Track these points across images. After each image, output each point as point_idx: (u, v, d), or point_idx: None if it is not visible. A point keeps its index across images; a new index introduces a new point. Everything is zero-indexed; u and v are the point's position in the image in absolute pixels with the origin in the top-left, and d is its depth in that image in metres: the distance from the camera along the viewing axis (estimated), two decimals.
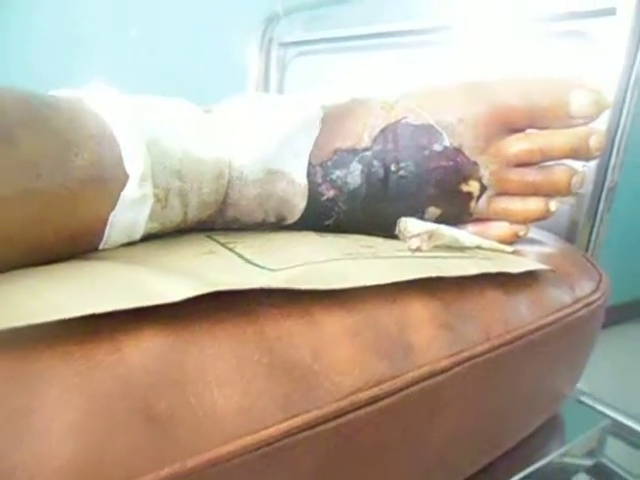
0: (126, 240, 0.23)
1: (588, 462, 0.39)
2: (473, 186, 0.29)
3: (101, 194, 0.21)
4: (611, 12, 0.39)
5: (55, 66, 0.81)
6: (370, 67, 0.63)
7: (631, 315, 1.32)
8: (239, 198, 0.27)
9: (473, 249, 0.28)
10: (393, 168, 0.28)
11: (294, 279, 0.19)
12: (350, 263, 0.22)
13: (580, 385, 0.37)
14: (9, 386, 0.14)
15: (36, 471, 0.13)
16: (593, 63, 0.40)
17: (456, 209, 0.29)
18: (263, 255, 0.22)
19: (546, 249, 0.32)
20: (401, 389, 0.19)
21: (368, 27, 0.62)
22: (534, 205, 0.29)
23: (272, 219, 0.28)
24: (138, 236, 0.23)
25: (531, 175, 0.29)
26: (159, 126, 0.24)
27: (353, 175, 0.28)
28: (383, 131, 0.28)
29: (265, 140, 0.26)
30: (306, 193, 0.28)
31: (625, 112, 0.39)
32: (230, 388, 0.16)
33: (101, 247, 0.22)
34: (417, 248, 0.25)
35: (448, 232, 0.26)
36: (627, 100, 0.39)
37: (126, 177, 0.21)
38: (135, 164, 0.22)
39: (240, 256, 0.22)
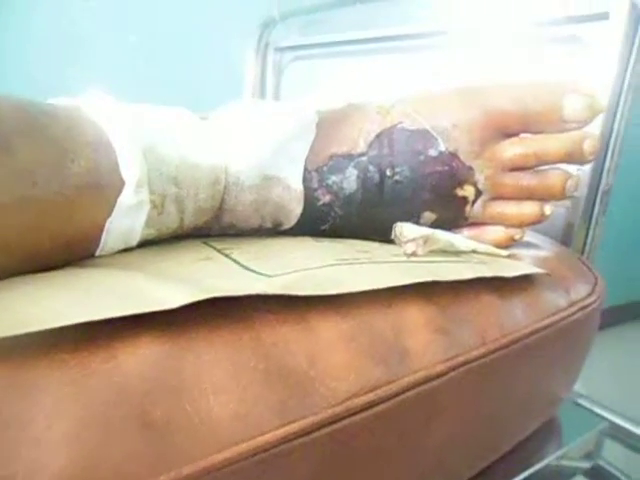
0: (123, 246, 0.23)
1: (586, 465, 0.39)
2: (468, 191, 0.29)
3: (97, 201, 0.21)
4: (604, 17, 0.39)
5: (53, 72, 0.81)
6: (366, 72, 0.63)
7: (627, 317, 1.32)
8: (235, 204, 0.27)
9: (469, 253, 0.28)
10: (389, 173, 0.28)
11: (290, 285, 0.19)
12: (346, 268, 0.22)
13: (577, 387, 0.37)
14: (6, 394, 0.14)
15: (34, 479, 0.13)
16: (587, 67, 0.41)
17: (451, 214, 0.30)
18: (259, 261, 0.23)
19: (542, 252, 0.32)
20: (397, 394, 0.19)
21: (364, 32, 0.62)
22: (529, 209, 0.29)
23: (268, 225, 0.28)
24: (134, 242, 0.23)
25: (526, 179, 0.29)
26: (156, 133, 0.24)
27: (349, 180, 0.28)
28: (379, 136, 0.28)
29: (261, 146, 0.27)
30: (302, 198, 0.28)
31: (619, 116, 0.39)
32: (226, 395, 0.16)
33: (97, 253, 0.22)
34: (413, 253, 0.25)
35: (444, 237, 0.26)
36: (621, 104, 0.39)
37: (122, 184, 0.22)
38: (131, 171, 0.22)
39: (236, 262, 0.22)
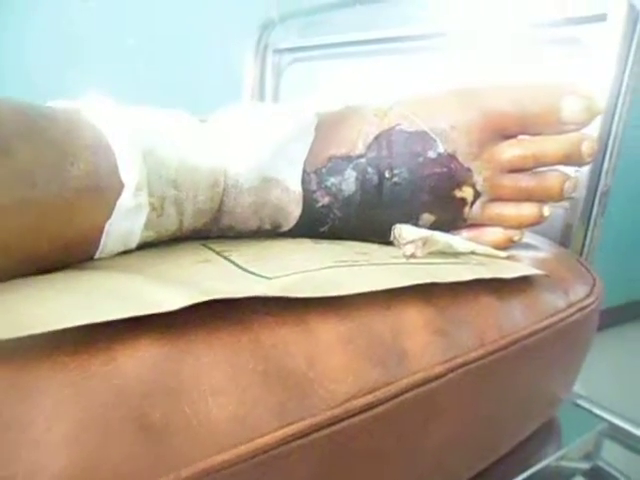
0: (122, 249, 0.23)
1: (585, 465, 0.39)
2: (467, 192, 0.29)
3: (97, 203, 0.21)
4: (602, 18, 0.39)
5: (52, 74, 0.81)
6: (365, 73, 0.63)
7: (626, 318, 1.32)
8: (234, 206, 0.27)
9: (467, 255, 0.28)
10: (387, 175, 0.28)
11: (289, 287, 0.19)
12: (345, 270, 0.22)
13: (576, 388, 0.37)
14: (6, 396, 0.14)
15: None
16: (585, 69, 0.41)
17: (450, 215, 0.30)
18: (258, 263, 0.23)
19: (540, 254, 0.32)
20: (395, 396, 0.19)
21: (363, 33, 0.62)
22: (528, 210, 0.29)
23: (267, 226, 0.28)
24: (134, 245, 0.24)
25: (524, 181, 0.29)
26: (155, 136, 0.24)
27: (348, 182, 0.28)
28: (377, 138, 0.28)
29: (260, 148, 0.27)
30: (301, 200, 0.28)
31: (617, 117, 0.39)
32: (225, 397, 0.16)
33: (97, 256, 0.23)
34: (412, 254, 0.25)
35: (442, 238, 0.27)
36: (619, 105, 0.39)
37: (122, 186, 0.22)
38: (131, 173, 0.22)
39: (235, 264, 0.22)
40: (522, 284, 0.27)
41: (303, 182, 0.28)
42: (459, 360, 0.22)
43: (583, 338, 0.31)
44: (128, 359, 0.15)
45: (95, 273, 0.21)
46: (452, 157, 0.28)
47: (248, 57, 0.75)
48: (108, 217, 0.21)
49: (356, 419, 0.18)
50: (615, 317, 1.22)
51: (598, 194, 0.41)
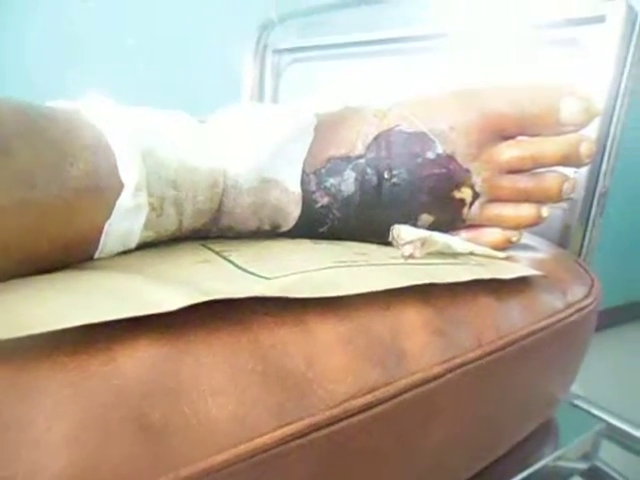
0: (121, 249, 0.23)
1: (583, 466, 0.40)
2: (466, 193, 0.29)
3: (96, 203, 0.21)
4: (601, 20, 0.39)
5: (52, 74, 0.81)
6: (365, 74, 0.63)
7: (624, 318, 1.32)
8: (234, 206, 0.27)
9: (466, 255, 0.28)
10: (386, 175, 0.28)
11: (288, 287, 0.19)
12: (344, 271, 0.22)
13: (574, 389, 0.37)
14: (6, 396, 0.14)
15: None
16: (584, 70, 0.41)
17: (449, 216, 0.30)
18: (258, 263, 0.23)
19: (539, 254, 0.32)
20: (394, 396, 0.19)
21: (363, 34, 0.62)
22: (526, 211, 0.30)
23: (267, 227, 0.28)
24: (133, 245, 0.24)
25: (523, 182, 0.29)
26: (155, 136, 0.24)
27: (347, 183, 0.28)
28: (376, 139, 0.29)
29: (259, 149, 0.27)
30: (300, 201, 0.28)
31: (615, 119, 0.39)
32: (224, 397, 0.16)
33: (96, 256, 0.23)
34: (410, 255, 0.25)
35: (441, 239, 0.27)
36: (617, 107, 0.39)
37: (121, 186, 0.22)
38: (130, 174, 0.22)
39: (235, 264, 0.23)
40: (520, 285, 0.27)
41: (302, 183, 0.28)
42: (457, 360, 0.22)
43: (581, 339, 0.31)
44: (128, 359, 0.15)
45: (94, 273, 0.21)
46: (451, 158, 0.28)
47: (247, 57, 0.75)
48: (107, 217, 0.22)
49: (355, 419, 0.18)
50: (613, 318, 1.22)
51: (596, 195, 0.41)
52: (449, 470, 0.26)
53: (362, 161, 0.28)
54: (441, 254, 0.27)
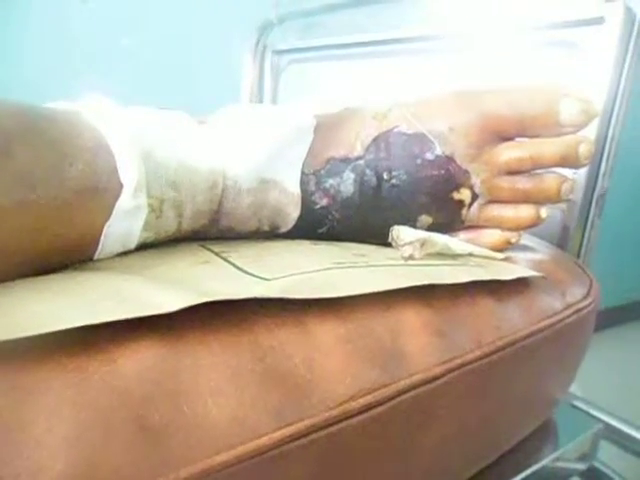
0: (121, 250, 0.23)
1: (581, 466, 0.40)
2: (465, 194, 0.29)
3: (96, 204, 0.21)
4: (599, 21, 0.39)
5: (51, 75, 0.81)
6: (364, 75, 0.63)
7: (623, 319, 1.32)
8: (233, 207, 0.27)
9: (465, 257, 0.28)
10: (385, 176, 0.28)
11: (288, 288, 0.19)
12: (343, 272, 0.22)
13: (573, 389, 0.37)
14: (7, 397, 0.14)
15: None
16: (582, 71, 0.41)
17: (448, 217, 0.30)
18: (257, 264, 0.23)
19: (537, 255, 0.32)
20: (393, 397, 0.19)
21: (362, 35, 0.62)
22: (525, 212, 0.30)
23: (266, 228, 0.28)
24: (133, 246, 0.24)
25: (522, 183, 0.29)
26: (154, 137, 0.24)
27: (346, 184, 0.28)
28: (376, 140, 0.29)
29: (259, 150, 0.27)
30: (299, 202, 0.28)
31: (614, 120, 0.39)
32: (224, 398, 0.16)
33: (96, 257, 0.23)
34: (410, 256, 0.25)
35: (440, 240, 0.27)
36: (616, 108, 0.39)
37: (121, 187, 0.22)
38: (130, 175, 0.22)
39: (234, 265, 0.23)
40: (519, 286, 0.27)
41: (302, 183, 0.28)
42: (457, 361, 0.22)
43: (580, 339, 0.31)
44: (128, 360, 0.16)
45: (94, 274, 0.21)
46: (450, 159, 0.28)
47: (247, 58, 0.75)
48: (107, 218, 0.22)
49: (354, 420, 0.18)
50: (612, 318, 1.22)
51: (595, 196, 0.41)
52: (448, 471, 0.26)
53: (361, 162, 0.28)
54: (440, 255, 0.27)
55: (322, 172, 0.28)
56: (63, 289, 0.18)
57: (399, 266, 0.24)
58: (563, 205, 0.42)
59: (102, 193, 0.21)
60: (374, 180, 0.28)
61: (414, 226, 0.29)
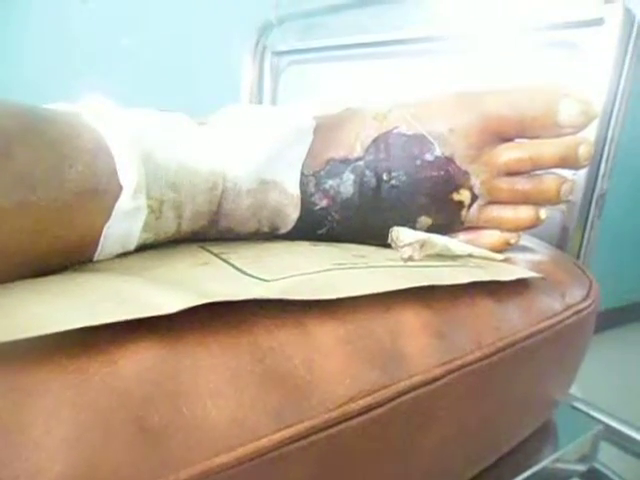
0: (120, 251, 0.23)
1: (581, 468, 0.40)
2: (464, 195, 0.29)
3: (95, 206, 0.21)
4: (599, 22, 0.39)
5: (51, 77, 0.81)
6: (363, 76, 0.63)
7: (623, 320, 1.32)
8: (233, 208, 0.27)
9: (465, 258, 0.28)
10: (385, 177, 0.28)
11: (288, 290, 0.19)
12: (343, 273, 0.22)
13: (573, 390, 0.37)
14: (6, 399, 0.14)
15: None
16: (582, 72, 0.41)
17: (447, 218, 0.30)
18: (257, 265, 0.23)
19: (537, 256, 0.32)
20: (393, 398, 0.19)
21: (361, 36, 0.63)
22: (525, 213, 0.30)
23: (265, 229, 0.28)
24: (132, 247, 0.24)
25: (521, 184, 0.29)
26: (154, 139, 0.24)
27: (346, 185, 0.28)
28: (375, 141, 0.29)
29: (258, 151, 0.27)
30: (299, 203, 0.28)
31: (613, 121, 0.39)
32: (223, 399, 0.16)
33: (95, 258, 0.23)
34: (409, 257, 0.25)
35: (440, 241, 0.27)
36: (615, 109, 0.39)
37: (120, 189, 0.22)
38: (129, 176, 0.22)
39: (234, 266, 0.23)
40: (519, 287, 0.27)
41: (301, 185, 0.28)
42: (457, 362, 0.22)
43: (580, 341, 0.31)
44: (127, 362, 0.15)
45: (93, 275, 0.21)
46: (450, 160, 0.28)
47: (246, 59, 0.75)
48: (107, 219, 0.22)
49: (354, 422, 0.18)
50: (611, 319, 1.22)
51: (595, 197, 0.41)
52: (448, 472, 0.26)
53: (361, 163, 0.28)
54: (440, 256, 0.27)
55: (322, 173, 0.28)
56: (63, 290, 0.18)
57: (399, 267, 0.24)
58: (563, 206, 0.42)
59: (102, 194, 0.21)
60: (374, 181, 0.28)
61: (414, 227, 0.29)
